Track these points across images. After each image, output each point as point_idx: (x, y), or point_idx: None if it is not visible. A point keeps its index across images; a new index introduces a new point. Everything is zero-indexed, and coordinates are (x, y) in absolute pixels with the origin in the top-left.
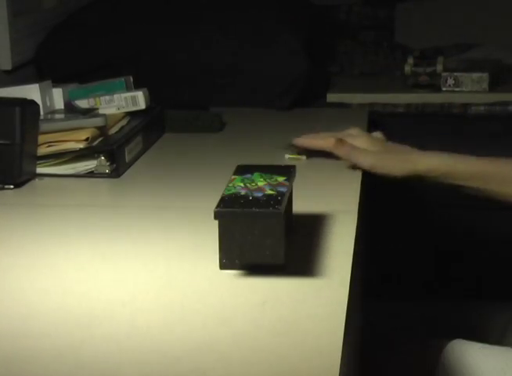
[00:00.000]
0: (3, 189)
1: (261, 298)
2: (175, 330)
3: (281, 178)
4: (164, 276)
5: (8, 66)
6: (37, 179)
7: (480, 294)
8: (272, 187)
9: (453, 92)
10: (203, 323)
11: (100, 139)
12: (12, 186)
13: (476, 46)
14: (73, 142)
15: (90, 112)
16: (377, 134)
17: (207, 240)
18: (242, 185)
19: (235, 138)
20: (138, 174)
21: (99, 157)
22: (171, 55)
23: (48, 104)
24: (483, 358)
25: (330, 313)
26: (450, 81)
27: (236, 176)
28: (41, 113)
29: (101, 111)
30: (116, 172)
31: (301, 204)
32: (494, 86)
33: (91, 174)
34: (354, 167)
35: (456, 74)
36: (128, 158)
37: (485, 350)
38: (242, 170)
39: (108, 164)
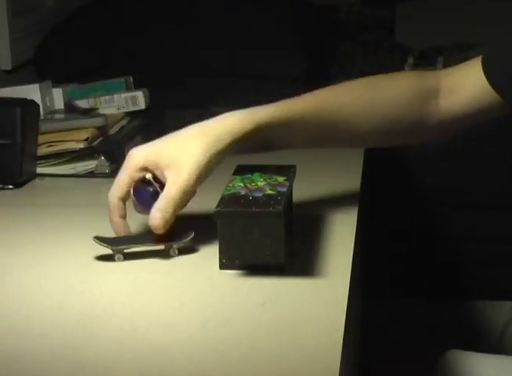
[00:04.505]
0: (3, 189)
1: (261, 298)
2: (175, 330)
3: (281, 179)
4: (164, 276)
5: (8, 66)
6: (37, 179)
7: (479, 295)
8: (272, 187)
9: None
10: (203, 323)
11: (100, 139)
12: (12, 186)
13: (476, 46)
14: (73, 142)
15: (90, 112)
16: None
17: (207, 240)
18: (242, 185)
19: None
20: None
21: (99, 157)
22: (171, 55)
23: (48, 104)
24: (480, 367)
25: (330, 313)
26: None
27: (236, 176)
28: (41, 113)
29: (101, 111)
30: (116, 172)
31: (301, 205)
32: None
33: (91, 174)
34: None
35: None
36: None
37: (482, 359)
38: (242, 170)
39: (108, 164)
